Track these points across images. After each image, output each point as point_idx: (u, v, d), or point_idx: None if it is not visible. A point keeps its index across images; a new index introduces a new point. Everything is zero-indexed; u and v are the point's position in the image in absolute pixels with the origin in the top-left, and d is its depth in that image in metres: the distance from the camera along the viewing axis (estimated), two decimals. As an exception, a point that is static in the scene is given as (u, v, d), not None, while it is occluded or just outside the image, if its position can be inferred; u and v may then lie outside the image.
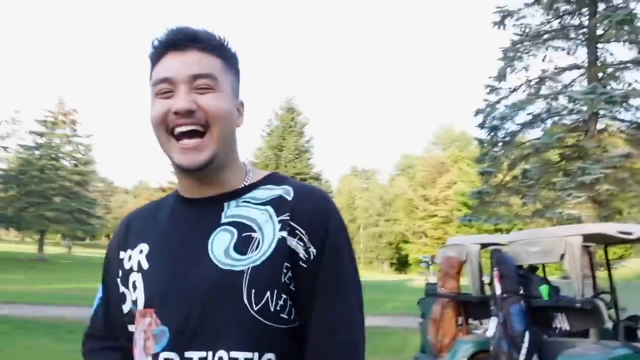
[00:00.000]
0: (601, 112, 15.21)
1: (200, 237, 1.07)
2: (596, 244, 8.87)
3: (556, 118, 16.02)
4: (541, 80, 16.36)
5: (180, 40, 1.07)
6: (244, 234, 1.05)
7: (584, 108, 14.65)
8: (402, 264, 67.15)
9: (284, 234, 1.04)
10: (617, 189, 14.52)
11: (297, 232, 1.04)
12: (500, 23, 16.69)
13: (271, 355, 1.01)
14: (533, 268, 7.97)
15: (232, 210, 1.09)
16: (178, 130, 1.05)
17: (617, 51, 15.98)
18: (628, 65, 15.78)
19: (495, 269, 6.63)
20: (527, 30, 16.69)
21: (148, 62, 1.12)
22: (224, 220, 1.08)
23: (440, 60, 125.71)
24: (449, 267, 8.16)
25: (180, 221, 1.12)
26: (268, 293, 1.01)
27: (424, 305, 8.66)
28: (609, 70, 15.99)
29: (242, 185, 1.13)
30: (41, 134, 39.66)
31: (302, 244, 1.04)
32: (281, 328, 1.02)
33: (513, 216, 16.44)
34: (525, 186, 15.51)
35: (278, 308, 1.02)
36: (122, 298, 1.13)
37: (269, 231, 1.05)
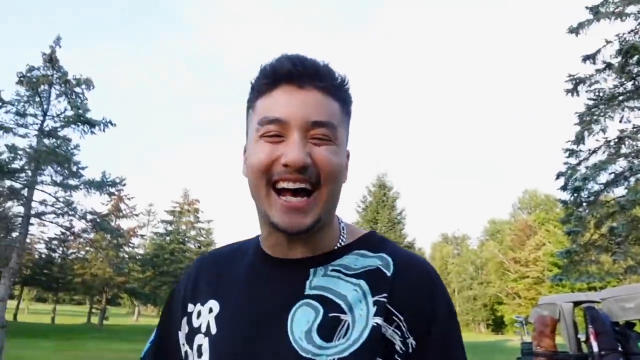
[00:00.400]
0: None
1: (281, 309, 0.84)
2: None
3: (639, 175, 15.29)
4: (620, 140, 15.76)
5: (299, 74, 0.84)
6: (330, 314, 0.82)
7: (668, 164, 13.96)
8: (497, 325, 64.24)
9: (379, 320, 0.81)
10: None
11: (395, 318, 0.82)
12: (573, 90, 16.40)
13: None
14: (630, 324, 7.54)
15: (318, 280, 0.86)
16: (283, 185, 0.82)
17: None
18: None
19: (590, 326, 6.37)
20: (600, 94, 16.30)
21: (250, 87, 0.90)
22: (308, 291, 0.85)
23: (517, 126, 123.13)
24: (543, 325, 7.88)
25: (259, 283, 0.89)
26: None
27: (522, 365, 8.33)
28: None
29: (336, 247, 0.89)
30: (170, 222, 43.02)
31: (399, 333, 0.82)
32: None
33: (605, 274, 15.55)
34: (614, 243, 14.72)
35: None
36: (184, 356, 0.93)
37: (362, 314, 0.82)
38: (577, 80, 16.28)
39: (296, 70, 0.83)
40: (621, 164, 15.62)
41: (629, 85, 16.14)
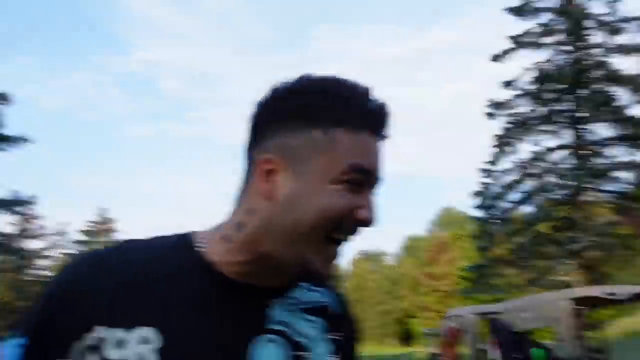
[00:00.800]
0: (586, 185, 15.36)
1: (241, 344, 0.73)
2: (586, 307, 8.67)
3: (545, 194, 16.14)
4: (531, 161, 16.57)
5: (381, 126, 0.74)
6: (294, 353, 0.76)
7: (571, 183, 14.81)
8: (408, 337, 66.01)
9: (335, 359, 0.80)
10: (604, 255, 14.50)
11: (342, 347, 0.82)
12: (492, 114, 17.14)
13: None
14: (527, 333, 7.78)
15: (281, 315, 0.77)
16: (339, 237, 0.72)
17: (599, 130, 16.16)
18: (609, 141, 16.00)
19: (494, 335, 6.49)
20: (517, 118, 17.11)
21: (308, 101, 0.72)
22: (271, 325, 0.76)
23: (429, 149, 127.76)
24: (449, 336, 8.00)
25: (213, 311, 0.74)
26: None
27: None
28: (592, 147, 16.18)
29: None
30: (84, 243, 40.83)
31: (343, 356, 0.82)
32: None
33: (509, 286, 16.23)
34: (519, 257, 15.43)
35: None
36: None
37: (321, 353, 0.79)
38: (497, 105, 17.00)
39: (382, 121, 0.74)
40: (530, 183, 16.44)
41: (542, 110, 17.06)
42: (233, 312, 0.74)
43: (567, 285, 12.70)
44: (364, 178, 0.71)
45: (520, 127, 16.76)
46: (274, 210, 0.71)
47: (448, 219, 76.16)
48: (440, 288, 58.45)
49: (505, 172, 16.84)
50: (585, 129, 16.40)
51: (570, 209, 15.38)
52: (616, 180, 15.79)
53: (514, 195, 16.62)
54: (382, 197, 0.73)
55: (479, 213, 17.31)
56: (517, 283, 16.13)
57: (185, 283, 0.74)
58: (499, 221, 16.87)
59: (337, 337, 0.81)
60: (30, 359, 0.71)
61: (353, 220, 0.71)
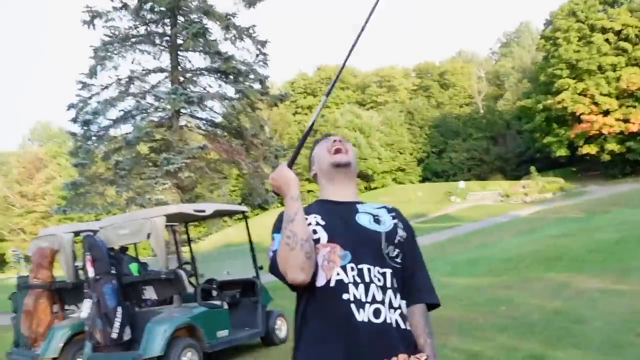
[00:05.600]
0: (182, 110, 16.13)
1: (352, 218, 1.69)
2: (179, 223, 9.43)
3: (145, 115, 16.33)
4: (131, 80, 16.33)
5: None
6: (375, 217, 1.71)
7: (168, 107, 15.33)
8: (0, 263, 59.46)
9: (395, 221, 1.75)
10: (196, 176, 15.72)
11: (399, 224, 1.75)
12: (90, 23, 16.02)
13: (389, 270, 1.63)
14: (124, 249, 7.99)
15: (362, 208, 1.75)
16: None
17: (194, 59, 17.06)
18: (203, 71, 17.12)
19: (88, 253, 6.42)
20: (116, 32, 16.44)
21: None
22: (360, 210, 1.73)
23: (32, 55, 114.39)
24: (42, 257, 7.56)
25: (335, 208, 1.73)
26: (391, 246, 1.66)
27: (16, 300, 7.82)
28: (188, 75, 17.02)
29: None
30: None
31: (401, 229, 1.73)
32: (395, 265, 1.65)
33: (109, 205, 16.16)
34: (118, 176, 15.37)
35: (394, 255, 1.66)
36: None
37: (388, 218, 1.74)
38: (95, 14, 15.99)
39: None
40: (130, 103, 16.35)
41: (142, 29, 16.89)
42: (342, 208, 1.73)
43: (165, 204, 13.31)
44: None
45: (120, 42, 16.27)
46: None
47: (44, 134, 70.37)
48: (36, 209, 54.22)
49: (104, 88, 16.26)
50: (183, 56, 17.13)
51: (167, 132, 16.03)
52: (208, 108, 17.18)
53: (113, 113, 16.29)
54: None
55: (76, 129, 16.40)
56: (116, 202, 16.18)
57: (324, 203, 1.78)
58: (97, 138, 16.37)
59: (393, 214, 1.78)
60: None
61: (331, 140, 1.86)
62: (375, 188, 52.05)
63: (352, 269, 1.56)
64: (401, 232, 1.71)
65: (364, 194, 48.85)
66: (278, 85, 59.89)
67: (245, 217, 8.38)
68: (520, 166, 48.99)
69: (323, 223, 1.66)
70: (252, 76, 16.85)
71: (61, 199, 42.64)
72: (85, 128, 16.04)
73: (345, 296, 1.53)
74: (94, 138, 16.28)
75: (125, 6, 16.08)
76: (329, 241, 1.61)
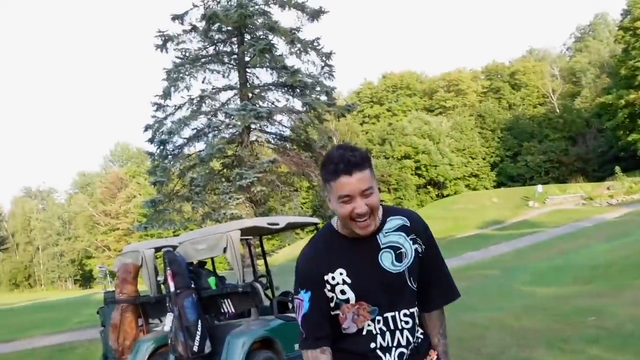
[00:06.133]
0: (252, 126, 16.52)
1: (375, 257, 1.76)
2: (253, 237, 9.58)
3: (216, 132, 16.84)
4: (202, 99, 16.95)
5: (347, 169, 1.64)
6: (397, 252, 1.78)
7: (239, 123, 15.72)
8: (86, 279, 62.84)
9: (415, 246, 1.82)
10: (268, 190, 15.99)
11: (418, 240, 1.82)
12: (163, 47, 16.79)
13: (415, 309, 1.83)
14: (202, 263, 8.20)
15: (382, 239, 1.78)
16: (357, 220, 1.69)
17: (262, 75, 17.40)
18: (270, 87, 17.47)
19: (168, 268, 6.61)
20: (187, 54, 17.10)
21: (322, 170, 1.72)
22: (382, 245, 1.77)
23: (109, 79, 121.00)
24: (126, 273, 7.86)
25: (357, 250, 1.76)
26: (413, 276, 1.80)
27: (103, 314, 8.17)
28: (256, 90, 17.43)
29: (380, 220, 1.79)
30: None
31: (419, 245, 1.83)
32: (415, 292, 1.83)
33: (186, 221, 16.74)
34: (194, 193, 15.92)
35: (415, 283, 1.82)
36: (331, 299, 1.77)
37: (408, 246, 1.80)
38: (166, 38, 16.71)
39: (347, 166, 1.64)
40: (202, 121, 16.93)
41: (211, 49, 17.49)
42: (365, 247, 1.76)
43: (238, 218, 13.61)
44: (348, 197, 1.65)
45: (190, 63, 16.88)
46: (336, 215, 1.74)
47: (123, 154, 73.86)
48: (119, 226, 56.90)
49: (177, 108, 16.92)
50: (250, 72, 17.56)
51: (238, 147, 16.43)
52: (276, 122, 17.50)
53: (187, 132, 16.90)
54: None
55: (152, 148, 17.14)
56: (193, 217, 16.73)
57: (336, 245, 1.78)
58: (172, 157, 17.03)
59: (413, 237, 1.82)
60: (315, 299, 1.78)
61: (355, 214, 1.66)
62: (447, 195, 50.97)
63: (379, 321, 1.78)
64: (419, 249, 1.84)
65: (436, 202, 47.97)
66: (344, 95, 60.23)
67: (317, 229, 8.41)
68: (603, 166, 46.49)
69: (349, 281, 1.75)
70: (318, 88, 17.01)
71: (142, 216, 44.69)
72: (161, 147, 16.72)
73: (372, 345, 1.79)
74: (169, 157, 16.94)
75: (194, 28, 16.72)
76: (357, 300, 1.75)
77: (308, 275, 1.79)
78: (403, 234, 1.80)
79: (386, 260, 1.76)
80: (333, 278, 1.75)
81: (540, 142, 52.60)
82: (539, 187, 41.15)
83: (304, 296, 1.79)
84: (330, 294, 1.77)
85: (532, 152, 52.05)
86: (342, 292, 1.74)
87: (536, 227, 27.83)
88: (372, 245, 1.77)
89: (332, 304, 1.78)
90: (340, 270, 1.75)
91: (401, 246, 1.78)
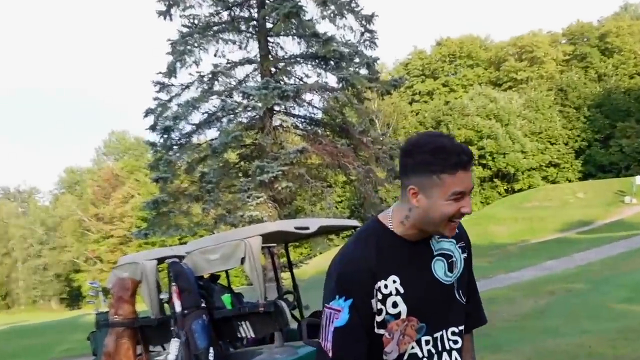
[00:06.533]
0: (276, 108, 16.56)
1: (428, 264, 1.86)
2: (278, 244, 9.60)
3: (232, 116, 16.93)
4: (214, 76, 17.05)
5: (467, 165, 1.74)
6: (449, 260, 1.90)
7: (259, 104, 15.78)
8: (74, 298, 64.02)
9: (464, 255, 1.97)
10: (296, 186, 16.02)
11: (465, 249, 1.98)
12: (166, 13, 16.96)
13: (462, 326, 1.95)
14: (214, 277, 8.25)
15: (436, 245, 1.89)
16: (453, 221, 1.78)
17: (287, 45, 17.40)
18: (298, 59, 17.48)
19: (174, 284, 6.66)
20: (196, 21, 17.23)
21: (431, 156, 1.72)
22: (435, 252, 1.88)
23: (101, 54, 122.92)
24: (122, 290, 7.92)
25: (411, 255, 1.84)
26: (462, 289, 1.94)
27: (95, 340, 8.28)
28: (281, 64, 17.48)
29: None
30: None
31: (467, 254, 1.99)
32: (463, 306, 1.95)
33: (195, 226, 16.90)
34: (205, 191, 16.05)
35: (464, 297, 1.96)
36: (378, 312, 1.79)
37: (458, 255, 1.94)
38: (171, 2, 16.88)
39: (468, 161, 1.74)
40: (214, 103, 17.04)
41: (225, 15, 17.58)
42: (419, 252, 1.84)
43: (259, 221, 13.64)
44: (461, 195, 1.72)
45: (200, 32, 16.99)
46: (420, 212, 1.75)
47: (120, 146, 74.93)
48: (114, 233, 57.72)
49: (184, 88, 17.06)
50: (273, 42, 17.58)
51: (259, 135, 16.49)
52: (305, 103, 17.48)
53: (196, 117, 17.02)
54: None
55: (154, 137, 17.33)
56: (203, 221, 16.88)
57: (392, 248, 1.81)
58: (179, 147, 17.18)
59: (462, 244, 1.96)
60: (358, 310, 1.76)
61: (459, 214, 1.74)
62: (520, 190, 50.34)
63: (427, 342, 1.86)
64: (466, 256, 1.99)
65: (505, 199, 47.40)
66: (389, 68, 59.95)
67: (357, 234, 8.37)
68: None
69: (402, 291, 1.80)
70: (357, 60, 16.97)
71: (141, 220, 45.27)
72: (165, 136, 16.91)
73: None
74: (175, 147, 17.11)
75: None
76: (408, 315, 1.81)
77: (353, 279, 1.78)
78: (454, 240, 1.93)
79: (439, 269, 1.86)
80: (386, 286, 1.78)
81: (638, 121, 51.51)
82: (638, 179, 40.26)
83: (343, 305, 1.77)
84: (378, 306, 1.78)
85: (629, 135, 51.09)
86: (394, 304, 1.78)
87: (634, 229, 27.23)
88: (426, 250, 1.86)
89: (377, 320, 1.79)
90: (393, 277, 1.78)
91: (452, 254, 1.91)
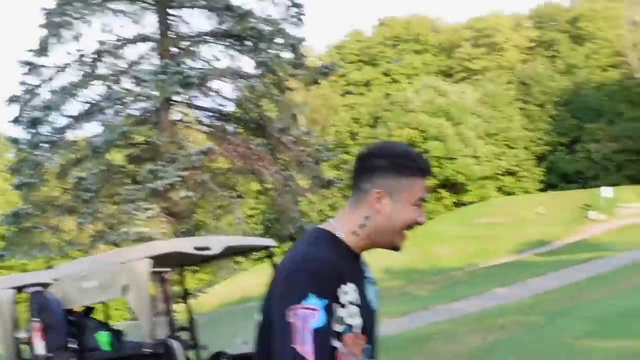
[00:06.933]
0: (175, 97, 16.34)
1: (363, 285, 1.98)
2: (172, 269, 9.54)
3: (120, 107, 16.62)
4: (99, 56, 16.70)
5: (430, 173, 2.01)
6: (375, 287, 2.09)
7: (155, 93, 15.58)
8: None
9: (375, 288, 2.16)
10: (197, 196, 15.90)
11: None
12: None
13: None
14: (89, 311, 8.15)
15: (363, 267, 2.07)
16: (408, 230, 1.99)
17: (193, 19, 17.18)
18: (206, 37, 17.34)
19: (36, 319, 6.56)
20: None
21: (403, 161, 1.96)
22: (366, 275, 2.04)
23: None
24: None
25: (357, 269, 2.00)
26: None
27: None
28: (184, 43, 17.27)
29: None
30: None
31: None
32: None
33: (66, 244, 16.45)
34: (81, 201, 15.66)
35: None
36: (338, 320, 1.83)
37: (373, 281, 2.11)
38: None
39: (430, 169, 2.03)
40: (97, 90, 16.71)
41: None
42: (359, 269, 2.00)
43: (149, 239, 13.43)
44: (421, 202, 1.95)
45: (83, 1, 16.58)
46: (380, 219, 1.91)
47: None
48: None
49: (60, 70, 16.67)
50: (175, 16, 17.38)
51: (153, 131, 16.28)
52: (213, 92, 17.35)
53: (73, 107, 16.67)
54: None
55: (18, 132, 16.84)
56: (77, 239, 16.52)
57: (347, 259, 1.93)
58: (50, 145, 16.68)
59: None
60: (330, 314, 1.79)
61: (415, 222, 1.94)
62: (470, 203, 51.25)
63: None
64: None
65: (452, 214, 48.30)
66: (319, 52, 60.17)
67: (271, 256, 8.43)
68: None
69: (359, 303, 1.91)
70: (280, 40, 17.03)
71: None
72: (32, 131, 16.46)
73: None
74: (44, 145, 16.64)
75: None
76: (362, 331, 1.91)
77: (326, 277, 1.83)
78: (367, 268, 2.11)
79: (371, 292, 2.02)
80: (347, 293, 1.87)
81: (611, 122, 53.15)
82: (606, 191, 41.73)
83: (319, 304, 1.79)
84: (340, 313, 1.84)
85: (599, 139, 52.56)
86: (353, 315, 1.88)
87: (599, 251, 28.20)
88: (360, 266, 2.03)
89: (337, 329, 1.83)
90: (353, 285, 1.91)
91: (375, 281, 2.11)
